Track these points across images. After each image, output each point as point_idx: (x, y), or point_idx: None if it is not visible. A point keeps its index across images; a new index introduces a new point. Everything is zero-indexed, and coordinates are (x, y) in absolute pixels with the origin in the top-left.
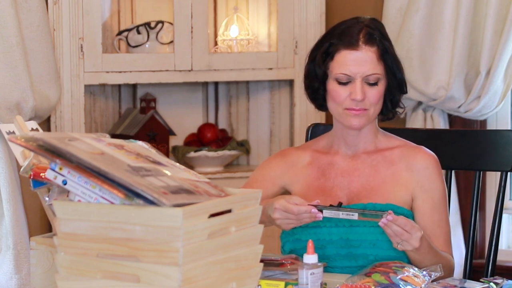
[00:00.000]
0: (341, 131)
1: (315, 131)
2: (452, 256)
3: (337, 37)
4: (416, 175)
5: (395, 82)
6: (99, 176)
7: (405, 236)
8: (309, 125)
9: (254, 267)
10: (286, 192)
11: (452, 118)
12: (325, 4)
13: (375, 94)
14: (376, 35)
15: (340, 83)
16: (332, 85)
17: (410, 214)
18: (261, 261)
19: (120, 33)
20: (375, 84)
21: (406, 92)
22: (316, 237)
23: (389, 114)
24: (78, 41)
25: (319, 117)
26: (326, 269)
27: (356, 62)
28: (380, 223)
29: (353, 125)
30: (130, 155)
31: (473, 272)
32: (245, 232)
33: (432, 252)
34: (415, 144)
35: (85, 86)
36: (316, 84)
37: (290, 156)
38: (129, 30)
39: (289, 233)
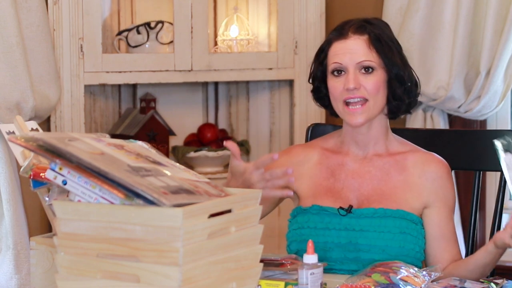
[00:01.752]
0: (350, 131)
1: (315, 131)
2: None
3: (331, 33)
4: (430, 183)
5: (392, 74)
6: (99, 176)
7: None
8: (309, 125)
9: (254, 267)
10: None
11: (452, 118)
12: (325, 4)
13: (371, 83)
14: (367, 26)
15: (335, 75)
16: (329, 81)
17: (420, 221)
18: (261, 261)
19: (120, 33)
20: (369, 72)
21: (406, 85)
22: (325, 239)
23: (394, 109)
24: (78, 41)
25: (319, 117)
26: (332, 272)
27: (346, 50)
28: None
29: (354, 122)
30: (130, 155)
31: None
32: (245, 232)
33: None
34: (426, 151)
35: (85, 86)
36: (316, 83)
37: (297, 156)
38: (129, 30)
39: (297, 233)
